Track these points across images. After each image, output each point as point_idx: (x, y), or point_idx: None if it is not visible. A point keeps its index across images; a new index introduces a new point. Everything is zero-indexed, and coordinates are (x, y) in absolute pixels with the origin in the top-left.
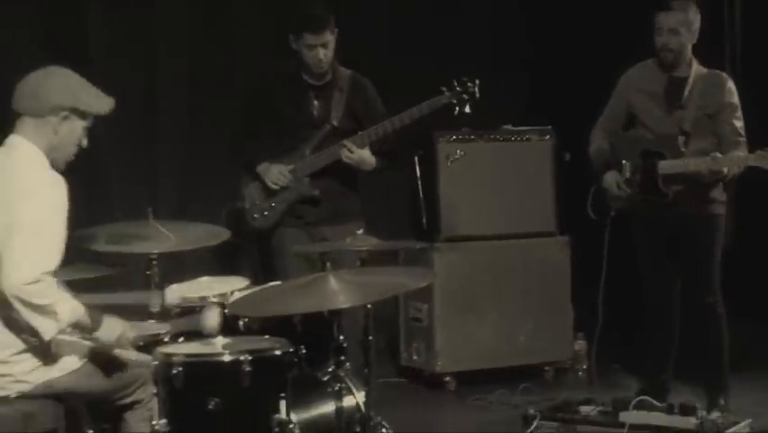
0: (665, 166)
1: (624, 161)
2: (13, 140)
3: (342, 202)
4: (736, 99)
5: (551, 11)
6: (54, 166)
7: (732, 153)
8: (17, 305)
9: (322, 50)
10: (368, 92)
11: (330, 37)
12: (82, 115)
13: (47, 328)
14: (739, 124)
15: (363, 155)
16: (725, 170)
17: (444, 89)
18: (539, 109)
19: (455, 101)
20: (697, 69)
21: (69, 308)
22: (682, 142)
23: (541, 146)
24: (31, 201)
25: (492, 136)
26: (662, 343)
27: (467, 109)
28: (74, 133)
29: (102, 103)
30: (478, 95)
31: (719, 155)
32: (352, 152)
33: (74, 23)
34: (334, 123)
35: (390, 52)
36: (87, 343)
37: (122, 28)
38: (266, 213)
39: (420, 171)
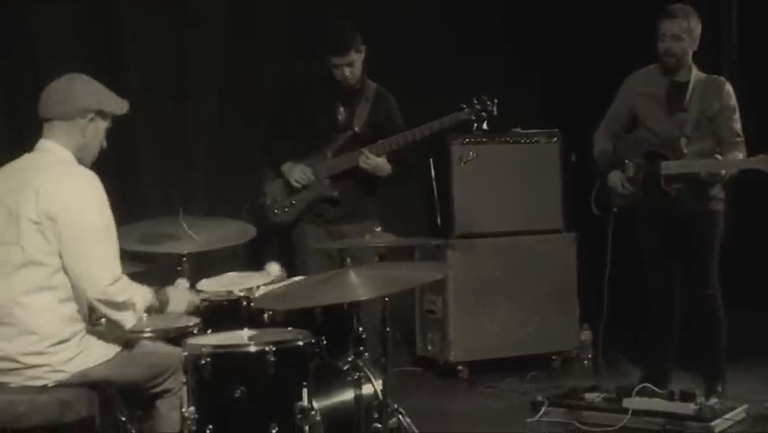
0: (668, 167)
1: (627, 161)
2: (45, 144)
3: (359, 203)
4: (734, 102)
5: (559, 20)
6: (83, 164)
7: (734, 156)
8: (101, 306)
9: (348, 68)
10: (391, 105)
11: (355, 56)
12: (105, 116)
13: (128, 320)
14: (738, 125)
15: (379, 162)
16: (723, 172)
17: (464, 106)
18: (547, 113)
19: (474, 117)
20: (696, 73)
21: (142, 296)
22: (684, 144)
23: (549, 148)
24: (83, 204)
25: (503, 139)
26: (664, 333)
27: (485, 126)
28: (99, 133)
29: (121, 104)
30: (496, 112)
31: (720, 158)
32: (368, 159)
33: (109, 24)
34: (356, 129)
35: (405, 60)
36: (120, 334)
37: (154, 30)
38: (286, 209)
39: (435, 172)
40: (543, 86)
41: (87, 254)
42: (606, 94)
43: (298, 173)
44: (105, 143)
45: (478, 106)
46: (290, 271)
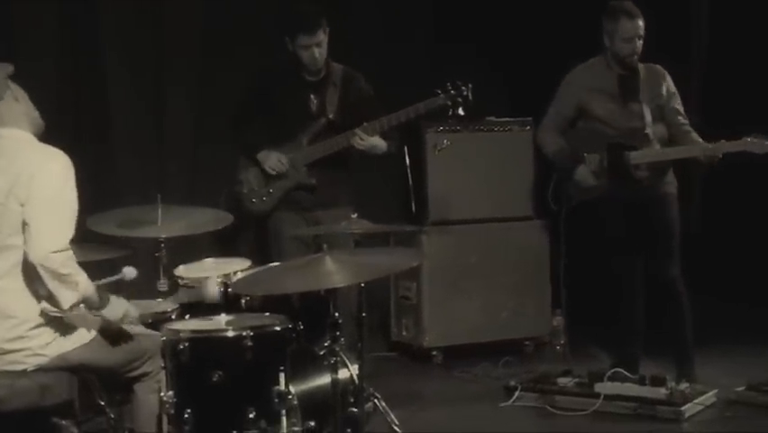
0: (639, 156)
1: (587, 155)
2: (1, 132)
3: (335, 190)
4: (674, 87)
5: (533, 9)
6: (38, 127)
7: (694, 139)
8: (43, 273)
9: (316, 49)
10: (360, 85)
11: (323, 36)
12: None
13: (67, 298)
14: (682, 109)
15: (374, 141)
16: (719, 155)
17: (439, 91)
18: (519, 102)
19: (450, 103)
20: (639, 64)
21: (85, 281)
22: (651, 133)
23: (522, 136)
24: (42, 176)
25: (476, 127)
26: (631, 318)
27: (460, 111)
28: (22, 91)
29: (7, 64)
30: (471, 98)
31: (704, 143)
32: (363, 140)
33: (85, 19)
34: (330, 117)
35: (376, 48)
36: (98, 317)
37: (131, 21)
38: (264, 198)
39: (409, 160)
40: (514, 75)
41: (39, 220)
42: None
43: (274, 161)
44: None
45: (453, 92)
46: (266, 258)
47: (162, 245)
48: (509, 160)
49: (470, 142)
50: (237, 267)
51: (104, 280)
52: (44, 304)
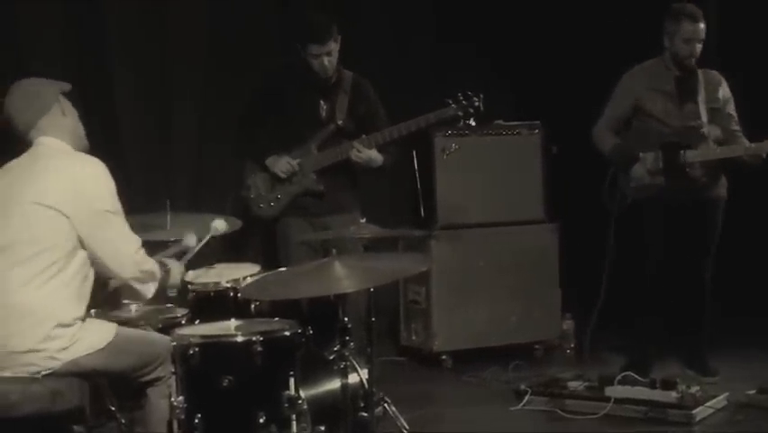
0: (695, 154)
1: (642, 154)
2: (41, 140)
3: (342, 196)
4: (730, 93)
5: (539, 14)
6: (82, 145)
7: (765, 141)
8: (134, 283)
9: (326, 57)
10: (369, 94)
11: (334, 45)
12: (64, 95)
13: (149, 289)
14: (736, 115)
15: (371, 155)
16: (763, 154)
17: (450, 101)
18: (527, 106)
19: (461, 114)
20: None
21: (156, 266)
22: (707, 132)
23: (530, 140)
24: (96, 189)
25: (485, 131)
26: (657, 319)
27: (471, 122)
28: (72, 108)
29: (65, 83)
30: (482, 108)
31: (748, 144)
32: (360, 152)
33: (92, 23)
34: (339, 123)
35: (379, 53)
36: (113, 324)
37: (137, 26)
38: (272, 204)
39: (417, 164)
40: (522, 78)
41: (111, 238)
42: (585, 86)
43: (283, 164)
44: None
45: (464, 102)
46: (274, 263)
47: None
48: (518, 163)
49: (479, 146)
50: (247, 272)
51: (169, 251)
52: (75, 313)
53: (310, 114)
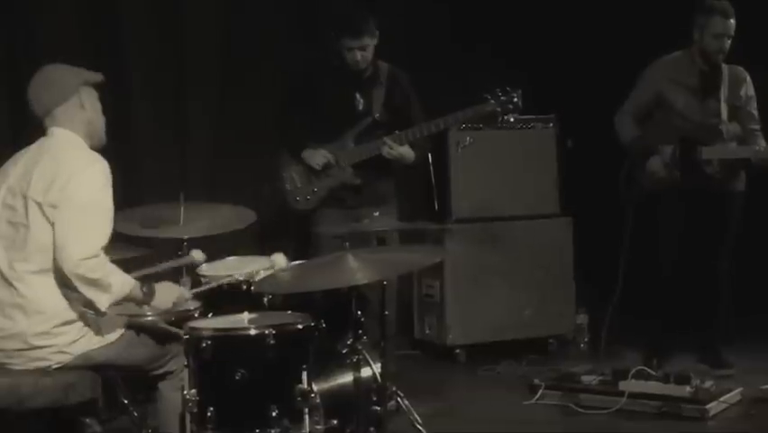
0: (711, 151)
1: (661, 146)
2: (53, 130)
3: (380, 188)
4: (753, 91)
5: (553, 8)
6: (97, 139)
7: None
8: (75, 280)
9: (359, 52)
10: (406, 85)
11: (368, 41)
12: (90, 85)
13: (102, 301)
14: (757, 114)
15: (402, 151)
16: None
17: (488, 97)
18: (542, 99)
19: (499, 109)
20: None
21: (121, 281)
22: (725, 130)
23: (545, 133)
24: (80, 180)
25: (499, 124)
26: (672, 310)
27: (510, 118)
28: (95, 101)
29: (96, 74)
30: (521, 105)
31: (758, 146)
32: (392, 149)
33: (108, 16)
34: (376, 116)
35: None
36: (122, 316)
37: (153, 16)
38: (308, 197)
39: (432, 158)
40: (537, 72)
41: (66, 228)
42: (600, 79)
43: (320, 158)
44: (104, 118)
45: (503, 98)
46: (306, 256)
47: (185, 244)
48: (532, 157)
49: (493, 139)
50: (260, 266)
51: (169, 263)
52: (80, 308)
53: (346, 107)
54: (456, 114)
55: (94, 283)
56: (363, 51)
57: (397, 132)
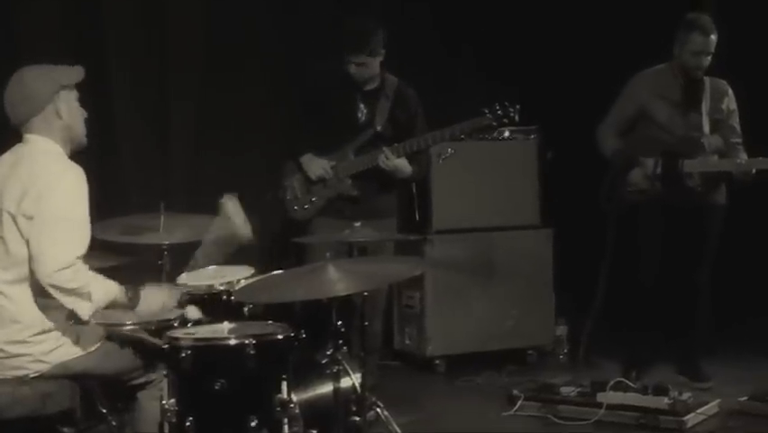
0: (693, 165)
1: (643, 159)
2: (27, 138)
3: (378, 201)
4: (735, 104)
5: (534, 18)
6: (77, 143)
7: (741, 157)
8: (53, 291)
9: (355, 66)
10: (411, 103)
11: (367, 59)
12: (68, 88)
13: (83, 309)
14: (739, 128)
15: (398, 164)
16: (752, 171)
17: (486, 111)
18: (523, 111)
19: (496, 124)
20: (704, 76)
21: (102, 288)
22: (707, 143)
23: (526, 145)
24: (54, 191)
25: (480, 136)
26: (651, 322)
27: (506, 133)
28: (72, 106)
29: (77, 72)
30: (517, 119)
31: (739, 159)
32: (388, 159)
33: (89, 16)
34: (378, 128)
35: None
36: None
37: (135, 24)
38: (306, 206)
39: None
40: (519, 84)
41: (41, 239)
42: (582, 92)
43: (318, 167)
44: (85, 113)
45: (500, 112)
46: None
47: (165, 252)
48: (513, 168)
49: (474, 150)
50: (240, 275)
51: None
52: (58, 317)
53: (350, 118)
54: (453, 127)
55: (72, 293)
56: (360, 67)
57: (395, 144)
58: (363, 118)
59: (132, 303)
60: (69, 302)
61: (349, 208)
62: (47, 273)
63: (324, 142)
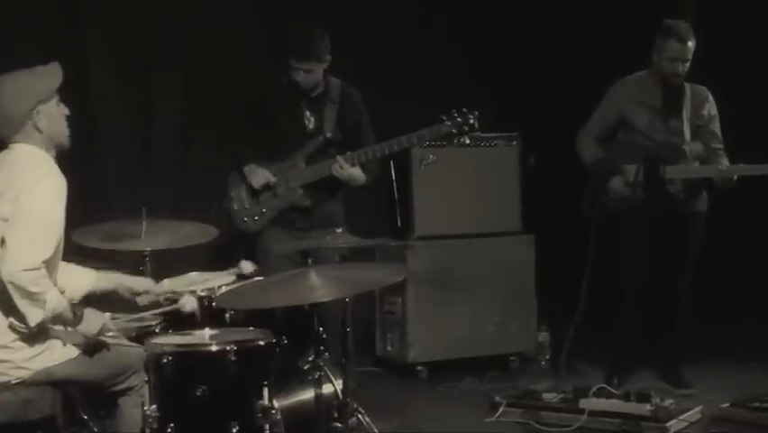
0: (675, 171)
1: (624, 166)
2: (12, 146)
3: (330, 210)
4: (716, 110)
5: (514, 24)
6: (60, 148)
7: (722, 163)
8: (12, 290)
9: (303, 73)
10: (357, 105)
11: (314, 65)
12: (47, 99)
13: (34, 315)
14: (720, 134)
15: (353, 172)
16: (734, 177)
17: (444, 118)
18: (505, 117)
19: (455, 131)
20: (684, 83)
21: (57, 299)
22: (688, 150)
23: (508, 151)
24: (32, 192)
25: (462, 142)
26: (633, 329)
27: (466, 140)
28: (53, 116)
29: (53, 77)
30: (477, 126)
31: (720, 165)
32: (342, 168)
33: (70, 20)
34: (328, 135)
35: (362, 60)
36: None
37: (118, 31)
38: (256, 218)
39: (395, 175)
40: (500, 90)
41: (14, 237)
42: (564, 97)
43: (260, 177)
44: (66, 111)
45: (459, 119)
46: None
47: (147, 259)
48: (495, 174)
49: (456, 156)
50: (221, 281)
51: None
52: (12, 320)
53: (297, 125)
54: (411, 135)
55: (30, 297)
56: (307, 74)
57: (348, 153)
58: (311, 126)
59: (75, 321)
60: (23, 305)
61: (299, 219)
62: (11, 271)
63: (270, 151)
